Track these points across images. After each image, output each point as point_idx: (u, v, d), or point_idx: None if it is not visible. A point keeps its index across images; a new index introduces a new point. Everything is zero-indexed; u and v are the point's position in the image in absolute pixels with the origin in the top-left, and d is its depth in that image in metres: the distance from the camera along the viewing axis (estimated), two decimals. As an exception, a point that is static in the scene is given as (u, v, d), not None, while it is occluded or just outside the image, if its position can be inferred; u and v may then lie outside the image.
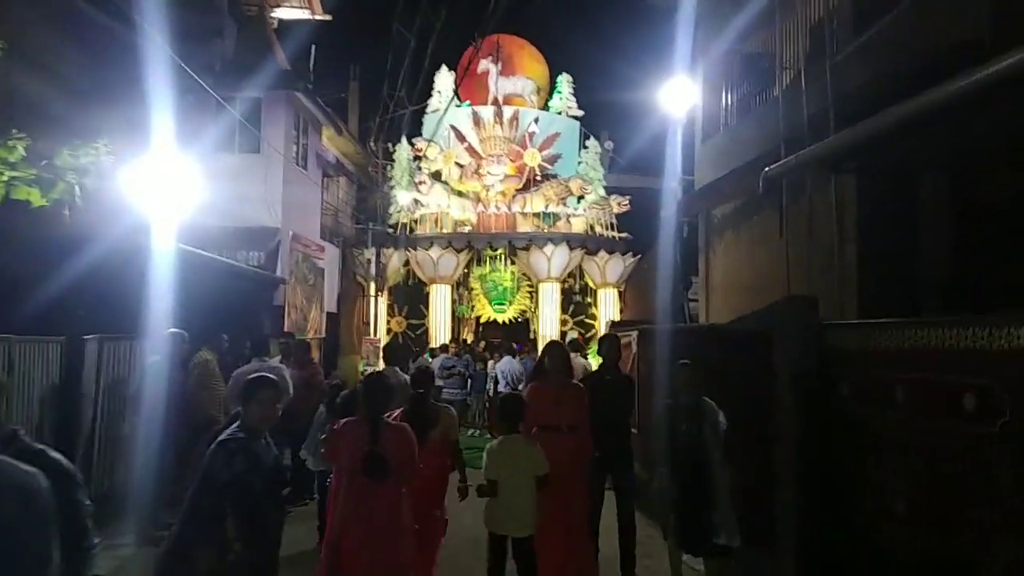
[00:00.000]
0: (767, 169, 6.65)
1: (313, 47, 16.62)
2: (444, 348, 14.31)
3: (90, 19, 9.13)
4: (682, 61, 10.68)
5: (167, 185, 7.44)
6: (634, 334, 9.40)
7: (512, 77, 19.92)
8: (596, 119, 20.88)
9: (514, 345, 15.81)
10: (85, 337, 5.82)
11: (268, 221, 11.90)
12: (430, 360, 13.20)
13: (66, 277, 5.85)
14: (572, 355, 11.17)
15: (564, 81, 20.18)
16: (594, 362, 12.58)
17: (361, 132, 19.75)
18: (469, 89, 19.86)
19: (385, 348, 9.78)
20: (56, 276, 5.81)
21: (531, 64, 20.65)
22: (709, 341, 6.42)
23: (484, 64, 19.63)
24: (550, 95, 20.61)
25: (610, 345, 6.16)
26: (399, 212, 17.90)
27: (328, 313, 15.46)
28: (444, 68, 19.78)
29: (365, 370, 14.91)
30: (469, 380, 13.27)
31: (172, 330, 6.18)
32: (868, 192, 6.34)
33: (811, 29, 8.83)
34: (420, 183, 17.61)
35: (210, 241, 11.34)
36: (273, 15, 15.71)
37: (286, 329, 12.65)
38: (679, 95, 10.48)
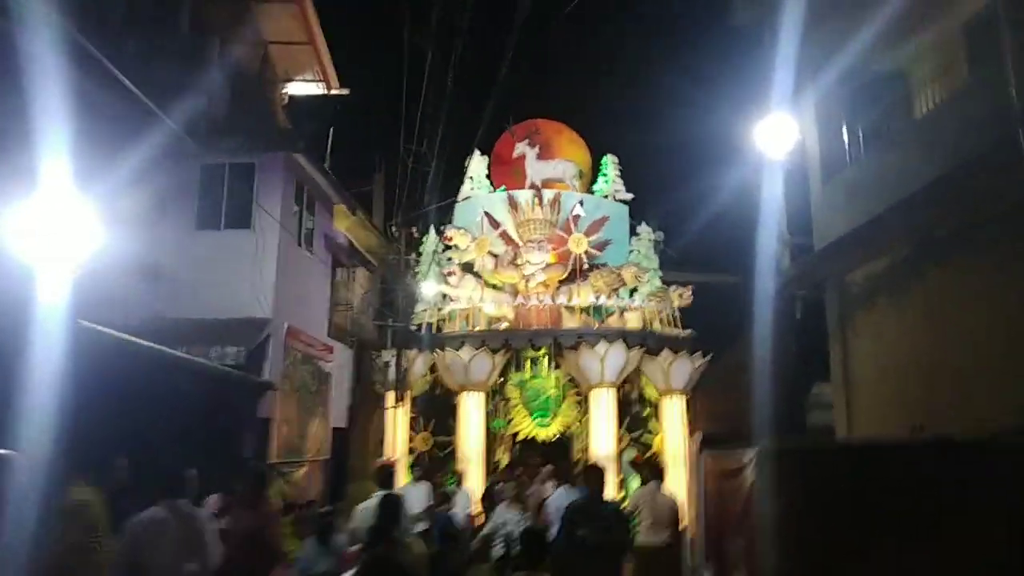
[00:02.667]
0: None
1: (331, 129, 14.87)
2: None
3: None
4: (779, 94, 8.33)
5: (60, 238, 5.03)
6: (748, 456, 6.51)
7: (551, 161, 17.82)
8: (644, 208, 18.59)
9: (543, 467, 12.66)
10: None
11: (256, 311, 9.44)
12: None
13: None
14: (655, 487, 8.20)
15: (610, 162, 18.04)
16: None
17: (387, 229, 17.74)
18: (504, 176, 17.85)
19: (378, 470, 7.39)
20: None
21: (571, 148, 18.59)
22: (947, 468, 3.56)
23: (520, 148, 17.61)
24: (593, 180, 18.47)
25: None
26: (424, 310, 15.41)
27: (335, 429, 12.71)
28: (477, 153, 17.84)
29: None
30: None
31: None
32: None
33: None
34: (449, 274, 15.18)
35: (177, 335, 8.90)
36: (285, 91, 14.03)
37: (277, 449, 9.93)
38: (778, 134, 8.06)
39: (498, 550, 7.95)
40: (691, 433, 13.79)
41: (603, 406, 14.02)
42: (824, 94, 7.89)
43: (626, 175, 18.32)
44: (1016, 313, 5.16)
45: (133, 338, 6.69)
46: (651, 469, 7.82)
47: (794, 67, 8.30)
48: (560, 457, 14.63)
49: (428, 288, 15.18)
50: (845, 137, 7.57)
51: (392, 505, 5.01)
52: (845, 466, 4.63)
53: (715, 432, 10.74)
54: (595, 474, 6.50)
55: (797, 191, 8.70)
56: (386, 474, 8.65)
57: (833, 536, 4.73)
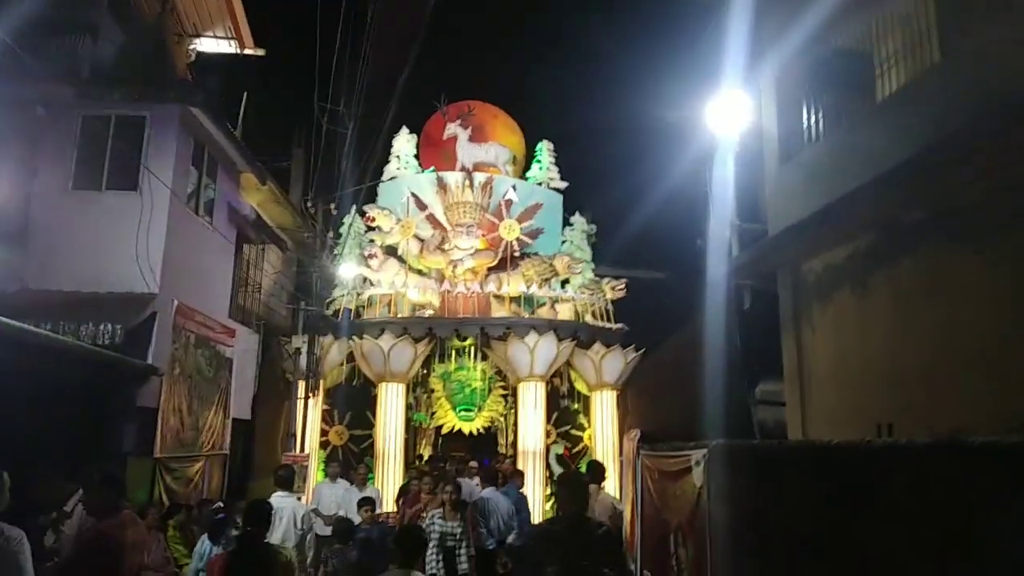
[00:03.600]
0: None
1: (245, 95, 13.56)
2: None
3: None
4: (733, 69, 7.72)
5: None
6: (696, 455, 5.83)
7: (484, 144, 16.92)
8: (579, 198, 17.91)
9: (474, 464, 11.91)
10: None
11: (139, 285, 8.22)
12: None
13: None
14: (594, 489, 7.45)
15: (545, 149, 17.31)
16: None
17: (304, 206, 16.47)
18: (433, 157, 16.87)
19: (277, 470, 6.77)
20: None
21: (505, 132, 17.79)
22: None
23: (452, 128, 16.64)
24: (527, 167, 17.70)
25: None
26: (343, 295, 14.31)
27: (237, 420, 11.52)
28: (405, 130, 16.82)
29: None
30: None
31: None
32: None
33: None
34: (370, 256, 14.13)
35: (44, 309, 7.65)
36: (192, 47, 12.66)
37: (163, 442, 8.73)
38: (731, 112, 7.49)
39: (433, 568, 6.64)
40: (622, 429, 13.24)
41: (531, 400, 13.29)
42: (785, 68, 7.30)
43: (562, 164, 17.65)
44: (993, 308, 4.59)
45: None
46: (593, 471, 7.00)
47: (750, 39, 7.71)
48: (486, 452, 13.91)
49: (347, 271, 14.11)
50: (805, 115, 6.99)
51: (259, 510, 4.67)
52: (819, 469, 3.92)
53: (651, 429, 10.14)
54: (574, 488, 4.41)
55: (748, 176, 8.11)
56: (285, 473, 7.68)
57: (802, 549, 4.06)
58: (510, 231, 14.90)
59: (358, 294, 14.27)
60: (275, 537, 6.69)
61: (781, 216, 6.67)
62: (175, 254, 8.68)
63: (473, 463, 12.21)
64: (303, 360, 12.70)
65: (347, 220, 15.10)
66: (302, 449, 12.58)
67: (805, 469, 4.05)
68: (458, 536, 6.61)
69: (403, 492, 10.84)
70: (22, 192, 8.17)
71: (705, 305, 7.69)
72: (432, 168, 16.33)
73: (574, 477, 4.92)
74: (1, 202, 8.09)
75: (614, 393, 13.80)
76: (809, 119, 6.92)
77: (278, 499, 7.03)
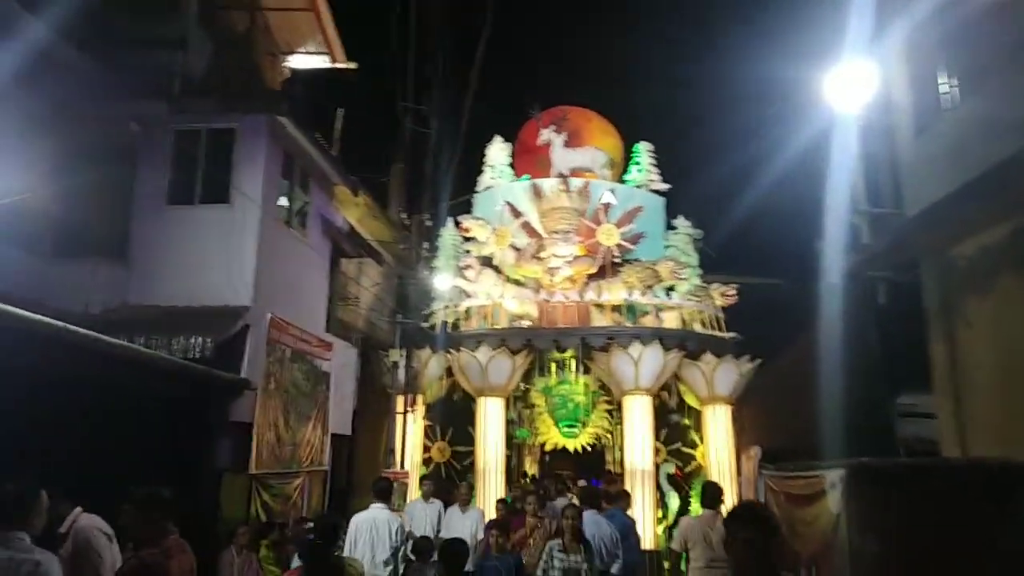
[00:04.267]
0: None
1: (341, 111, 13.64)
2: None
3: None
4: (857, 37, 6.83)
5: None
6: (830, 477, 4.98)
7: (580, 148, 16.33)
8: (682, 201, 16.94)
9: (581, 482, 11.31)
10: None
11: (231, 298, 8.15)
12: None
13: None
14: (712, 516, 6.54)
15: (643, 150, 16.53)
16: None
17: (401, 220, 16.45)
18: (528, 165, 16.47)
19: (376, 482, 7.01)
20: None
21: (601, 136, 17.12)
22: None
23: (546, 134, 16.15)
24: (625, 170, 16.95)
25: None
26: (445, 307, 14.07)
27: (338, 436, 11.39)
28: (498, 139, 16.52)
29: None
30: None
31: None
32: None
33: None
34: (466, 268, 13.81)
35: (141, 324, 7.69)
36: (286, 63, 12.83)
37: (259, 458, 8.61)
38: (854, 84, 6.55)
39: None
40: (738, 447, 12.22)
41: (637, 415, 12.50)
42: (916, 33, 6.34)
43: (663, 165, 16.80)
44: None
45: (54, 321, 5.42)
46: (709, 493, 6.17)
47: (874, 5, 6.80)
48: (593, 470, 13.26)
49: (443, 283, 13.85)
50: (942, 81, 6.01)
51: (326, 525, 4.79)
52: (995, 494, 3.07)
53: (773, 447, 9.13)
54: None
55: (869, 156, 7.14)
56: (383, 485, 7.39)
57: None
58: (609, 236, 14.21)
59: (455, 306, 13.99)
60: (365, 549, 6.44)
61: (919, 195, 5.71)
62: (267, 267, 8.59)
63: (582, 482, 11.53)
64: (401, 374, 12.50)
65: (443, 231, 14.93)
66: (402, 465, 12.35)
67: (971, 493, 3.23)
68: (583, 573, 5.84)
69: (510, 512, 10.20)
70: (122, 209, 8.31)
71: (831, 305, 6.75)
72: (526, 176, 15.92)
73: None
74: (104, 220, 8.24)
75: (728, 407, 12.80)
76: (946, 85, 5.95)
77: (374, 511, 6.81)
